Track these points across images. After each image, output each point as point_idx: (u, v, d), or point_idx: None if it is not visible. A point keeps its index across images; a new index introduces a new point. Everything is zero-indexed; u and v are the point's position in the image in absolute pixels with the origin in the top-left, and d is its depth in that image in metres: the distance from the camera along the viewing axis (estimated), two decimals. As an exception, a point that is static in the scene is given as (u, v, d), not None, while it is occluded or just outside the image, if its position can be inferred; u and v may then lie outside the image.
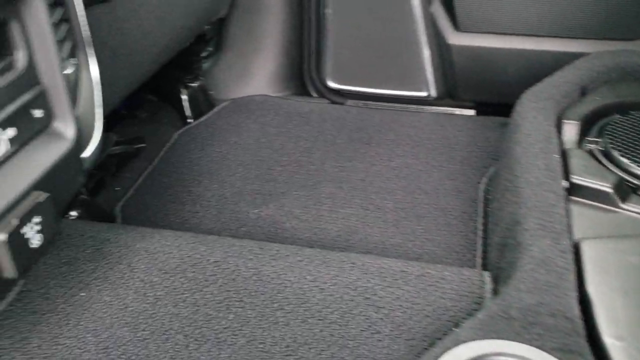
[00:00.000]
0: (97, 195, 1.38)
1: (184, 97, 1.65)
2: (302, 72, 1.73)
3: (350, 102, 1.69)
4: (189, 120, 1.65)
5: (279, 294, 0.87)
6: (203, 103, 1.69)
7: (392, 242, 1.15)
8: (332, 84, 1.68)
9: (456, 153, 1.38)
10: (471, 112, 1.61)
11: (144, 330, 0.84)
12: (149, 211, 1.30)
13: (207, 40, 1.62)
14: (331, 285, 0.88)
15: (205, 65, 1.69)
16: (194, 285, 0.90)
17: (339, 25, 1.61)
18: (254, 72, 1.71)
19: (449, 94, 1.59)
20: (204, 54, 1.66)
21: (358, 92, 1.67)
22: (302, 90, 1.74)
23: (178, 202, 1.32)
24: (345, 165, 1.37)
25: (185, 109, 1.65)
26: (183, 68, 1.64)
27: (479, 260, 1.10)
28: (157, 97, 1.73)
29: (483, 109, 1.59)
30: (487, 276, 0.91)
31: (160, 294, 0.89)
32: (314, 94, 1.73)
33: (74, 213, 1.23)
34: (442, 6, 1.49)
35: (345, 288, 0.88)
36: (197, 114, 1.66)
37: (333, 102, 1.68)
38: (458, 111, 1.62)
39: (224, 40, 1.68)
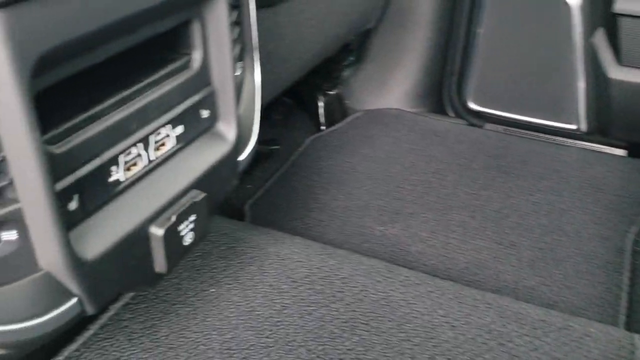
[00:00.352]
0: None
1: (320, 104, 1.65)
2: (441, 90, 1.68)
3: (489, 125, 1.63)
4: (322, 127, 1.65)
5: (407, 324, 0.84)
6: (338, 111, 1.69)
7: (525, 283, 1.08)
8: (472, 105, 1.62)
9: (604, 195, 1.28)
10: (622, 152, 1.49)
11: (267, 337, 0.83)
12: (276, 213, 1.31)
13: (351, 50, 1.62)
14: (463, 324, 0.83)
15: (345, 74, 1.69)
16: (321, 299, 0.88)
17: (489, 45, 1.55)
18: (391, 85, 1.68)
19: (601, 130, 1.48)
20: (345, 63, 1.66)
21: (499, 116, 1.59)
22: (438, 108, 1.69)
23: (305, 208, 1.32)
24: (479, 194, 1.31)
25: (320, 115, 1.65)
26: (323, 75, 1.65)
27: (622, 318, 1.01)
28: (293, 101, 1.75)
29: (637, 150, 1.46)
30: (638, 339, 0.82)
31: (288, 302, 0.88)
32: (451, 114, 1.68)
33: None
34: (605, 37, 1.39)
35: (478, 329, 0.83)
36: (331, 121, 1.66)
37: (471, 124, 1.62)
38: (608, 149, 1.51)
39: (367, 51, 1.67)
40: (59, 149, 0.49)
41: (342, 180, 1.38)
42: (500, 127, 1.62)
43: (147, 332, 0.85)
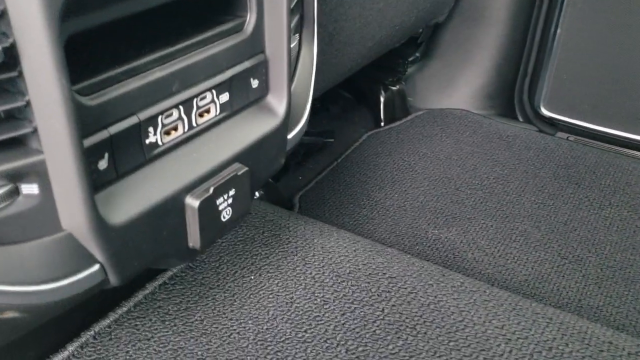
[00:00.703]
0: (278, 181, 1.37)
1: (382, 98, 1.59)
2: (511, 93, 1.59)
3: (560, 134, 1.53)
4: (381, 123, 1.59)
5: (457, 332, 0.77)
6: (399, 108, 1.62)
7: (590, 302, 0.99)
8: (544, 111, 1.52)
9: (684, 215, 1.17)
10: None
11: (306, 332, 0.78)
12: (325, 206, 1.26)
13: (418, 44, 1.55)
14: (520, 339, 0.76)
15: (409, 70, 1.62)
16: (365, 297, 0.82)
17: (567, 47, 1.45)
18: (458, 84, 1.60)
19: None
20: (410, 59, 1.59)
21: (573, 124, 1.49)
22: (507, 112, 1.60)
23: (355, 205, 1.26)
24: (546, 203, 1.23)
25: (380, 111, 1.59)
26: (385, 69, 1.59)
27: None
28: (351, 95, 1.69)
29: None
30: None
31: (329, 297, 0.82)
32: (520, 118, 1.58)
33: (256, 193, 1.23)
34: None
35: (537, 346, 0.75)
36: (391, 118, 1.60)
37: (541, 131, 1.53)
38: (688, 167, 1.39)
39: (434, 46, 1.60)
40: (92, 100, 0.45)
41: (397, 179, 1.32)
42: (572, 137, 1.52)
43: (181, 314, 0.81)
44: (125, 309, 0.82)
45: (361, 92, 1.67)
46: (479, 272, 1.07)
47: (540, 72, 1.51)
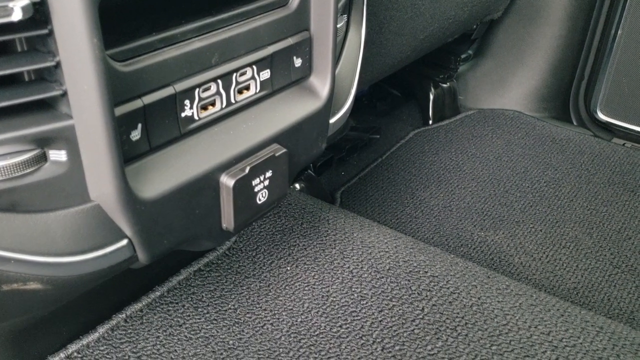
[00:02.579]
0: (321, 175, 1.34)
1: (431, 96, 1.55)
2: (566, 96, 1.53)
3: (616, 140, 1.45)
4: (429, 122, 1.55)
5: (500, 336, 0.72)
6: (448, 106, 1.58)
7: (645, 314, 0.93)
8: (601, 116, 1.45)
9: None
10: None
11: (341, 327, 0.75)
12: (367, 203, 1.23)
13: (471, 41, 1.50)
14: (568, 347, 0.71)
15: (461, 68, 1.57)
16: (405, 295, 0.79)
17: (628, 50, 1.38)
18: (511, 85, 1.55)
19: None
20: (462, 56, 1.54)
21: (630, 130, 1.42)
22: (561, 115, 1.54)
23: (399, 203, 1.22)
24: (599, 210, 1.16)
25: (429, 108, 1.55)
26: (436, 66, 1.54)
27: None
28: (399, 93, 1.65)
29: None
30: None
31: (367, 293, 0.79)
32: (575, 122, 1.52)
33: (297, 185, 1.20)
34: None
35: (585, 355, 0.70)
36: (440, 116, 1.56)
37: (596, 136, 1.46)
38: None
39: (488, 45, 1.55)
40: (126, 67, 0.43)
41: (443, 178, 1.28)
42: (629, 143, 1.44)
43: (215, 302, 0.79)
44: (158, 293, 0.80)
45: (410, 88, 1.63)
46: (525, 277, 1.02)
47: (597, 75, 1.45)
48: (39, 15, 0.36)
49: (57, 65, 0.38)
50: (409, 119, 1.59)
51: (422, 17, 1.00)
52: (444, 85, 1.55)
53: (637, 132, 1.43)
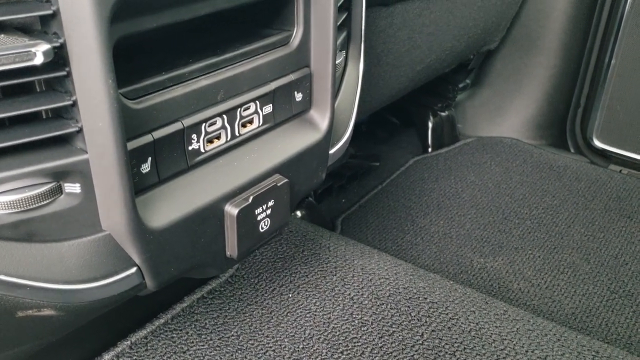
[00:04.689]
0: (322, 202, 1.36)
1: (430, 124, 1.58)
2: (563, 123, 1.56)
3: (613, 166, 1.48)
4: (428, 149, 1.58)
5: (499, 361, 0.74)
6: (447, 134, 1.61)
7: (642, 339, 0.95)
8: (597, 143, 1.48)
9: None
10: None
11: (342, 352, 0.77)
12: (367, 230, 1.25)
13: (469, 70, 1.54)
14: (565, 371, 0.72)
15: (459, 96, 1.60)
16: (404, 321, 0.80)
17: (622, 78, 1.42)
18: (509, 113, 1.58)
19: None
20: (460, 85, 1.57)
21: (627, 157, 1.45)
22: (559, 142, 1.56)
23: (399, 230, 1.24)
24: (596, 236, 1.18)
25: (428, 137, 1.58)
26: (435, 95, 1.58)
27: None
28: (398, 120, 1.68)
29: None
30: None
31: (368, 319, 0.81)
32: (572, 149, 1.54)
33: (298, 213, 1.23)
34: None
35: (582, 379, 0.71)
36: (439, 144, 1.58)
37: (592, 163, 1.48)
38: None
39: (485, 74, 1.58)
40: (137, 104, 0.46)
41: (443, 205, 1.30)
42: (625, 170, 1.47)
43: (218, 329, 0.81)
44: (162, 320, 0.82)
45: (409, 117, 1.66)
46: (524, 303, 1.04)
47: (593, 102, 1.48)
48: (57, 58, 0.39)
49: (74, 103, 0.41)
50: (408, 146, 1.61)
51: (419, 49, 1.04)
52: (443, 113, 1.58)
53: (633, 158, 1.45)
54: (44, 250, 0.43)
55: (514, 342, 0.76)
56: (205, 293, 0.86)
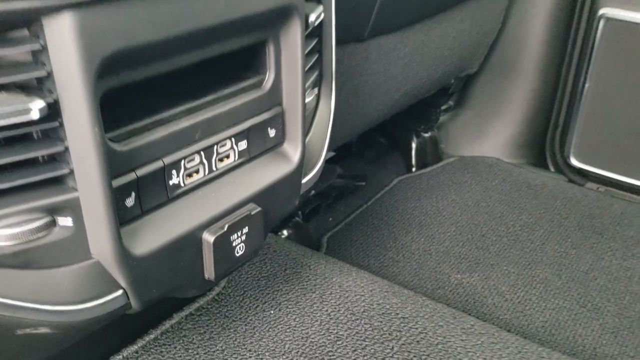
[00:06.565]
0: (309, 221, 1.43)
1: (413, 144, 1.64)
2: (543, 143, 1.62)
3: (590, 184, 1.54)
4: (412, 169, 1.64)
5: (462, 372, 0.80)
6: (430, 154, 1.67)
7: (605, 350, 1.00)
8: (574, 162, 1.55)
9: None
10: None
11: (318, 365, 0.83)
12: (352, 248, 1.31)
13: (450, 94, 1.61)
14: (523, 381, 0.78)
15: (442, 118, 1.67)
16: (377, 335, 0.86)
17: (596, 101, 1.49)
18: (490, 133, 1.65)
19: None
20: (443, 107, 1.64)
21: (602, 176, 1.51)
22: (538, 161, 1.63)
23: (382, 247, 1.30)
24: (568, 252, 1.24)
25: (411, 157, 1.65)
26: (419, 117, 1.64)
27: None
28: (386, 141, 1.75)
29: None
30: None
31: (343, 334, 0.87)
32: (552, 168, 1.61)
33: (285, 232, 1.29)
34: None
35: (538, 389, 0.77)
36: (422, 164, 1.65)
37: (570, 181, 1.55)
38: None
39: (467, 96, 1.65)
40: (122, 147, 0.52)
41: (424, 224, 1.36)
42: (601, 187, 1.53)
43: (205, 344, 0.87)
44: (152, 336, 0.88)
45: (395, 138, 1.73)
46: (497, 317, 1.09)
47: (570, 123, 1.55)
48: (52, 111, 0.46)
49: (66, 149, 0.48)
50: (393, 167, 1.68)
51: (395, 79, 1.10)
52: (426, 135, 1.64)
53: (608, 177, 1.51)
54: (40, 276, 0.50)
55: (477, 355, 0.82)
56: (193, 310, 0.92)
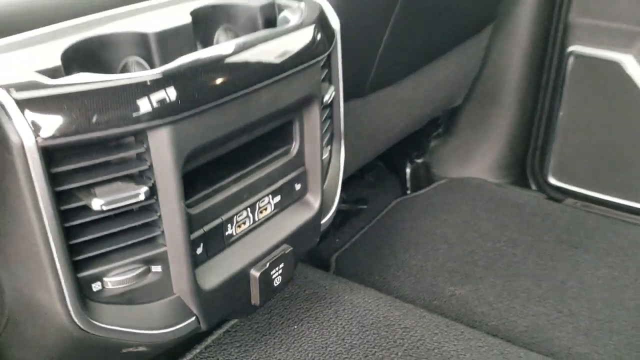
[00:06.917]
0: (319, 243, 1.60)
1: (408, 170, 1.83)
2: (524, 165, 1.81)
3: (568, 200, 1.72)
4: (408, 192, 1.82)
5: (455, 371, 0.98)
6: (423, 178, 1.85)
7: (578, 350, 1.18)
8: (552, 180, 1.73)
9: (668, 276, 1.35)
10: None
11: (337, 370, 1.01)
12: (358, 266, 1.48)
13: (439, 124, 1.79)
14: (504, 376, 0.97)
15: (433, 144, 1.85)
16: (383, 343, 1.05)
17: (570, 126, 1.67)
18: (476, 157, 1.82)
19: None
20: (433, 134, 1.83)
21: (579, 192, 1.69)
22: (520, 180, 1.81)
23: (384, 264, 1.47)
24: (547, 264, 1.42)
25: (407, 181, 1.83)
26: (412, 145, 1.83)
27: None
28: (385, 165, 1.93)
29: None
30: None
31: (356, 342, 1.05)
32: (533, 187, 1.79)
33: (300, 255, 1.47)
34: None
35: (516, 382, 0.96)
36: (417, 186, 1.83)
37: (551, 198, 1.73)
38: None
39: (454, 125, 1.84)
40: (194, 210, 0.71)
41: (420, 242, 1.53)
42: (579, 203, 1.71)
43: (241, 355, 1.05)
44: (197, 350, 1.06)
45: (392, 163, 1.91)
46: (486, 324, 1.27)
47: (547, 146, 1.73)
48: (150, 191, 0.64)
49: (159, 217, 0.66)
50: (392, 189, 1.86)
51: (392, 121, 1.29)
52: (419, 160, 1.83)
53: (583, 193, 1.70)
54: (140, 309, 0.68)
55: (467, 357, 1.00)
56: (229, 327, 1.10)
